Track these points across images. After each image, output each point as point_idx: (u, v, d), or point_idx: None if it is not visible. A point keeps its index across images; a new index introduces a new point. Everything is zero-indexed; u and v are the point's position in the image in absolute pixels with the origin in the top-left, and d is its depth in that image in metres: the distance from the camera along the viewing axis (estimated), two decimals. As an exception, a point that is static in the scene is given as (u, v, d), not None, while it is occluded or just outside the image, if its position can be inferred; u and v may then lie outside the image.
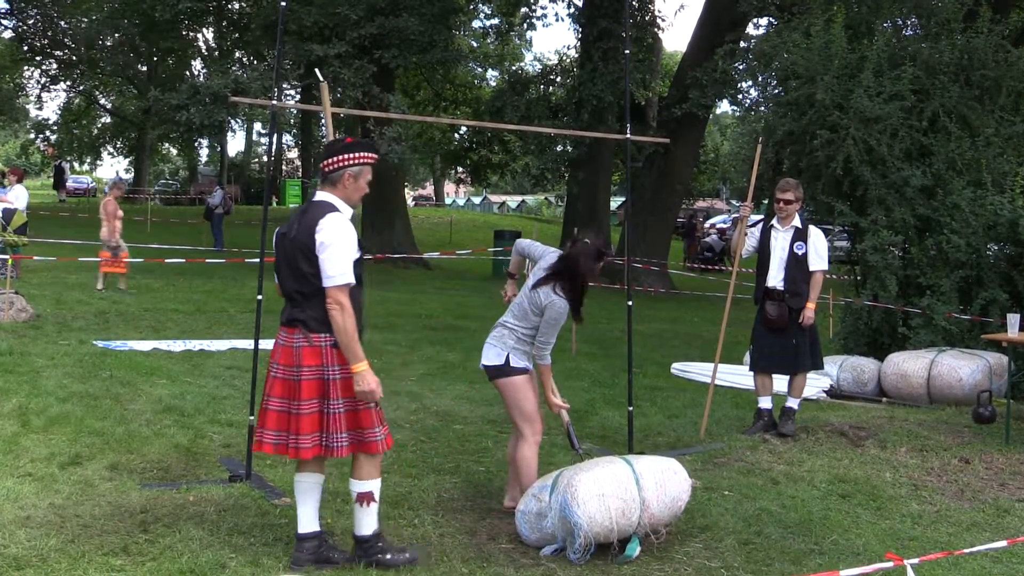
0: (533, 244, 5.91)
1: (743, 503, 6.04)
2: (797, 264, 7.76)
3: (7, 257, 12.90)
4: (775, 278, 7.82)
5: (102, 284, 14.95)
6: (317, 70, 6.44)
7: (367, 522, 4.70)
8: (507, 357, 5.51)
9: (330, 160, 4.64)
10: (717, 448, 7.48)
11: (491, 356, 5.57)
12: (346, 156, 4.62)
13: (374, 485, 4.70)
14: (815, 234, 7.89)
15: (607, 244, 5.72)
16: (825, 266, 7.87)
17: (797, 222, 7.88)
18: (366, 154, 4.68)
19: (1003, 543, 4.72)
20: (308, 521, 4.70)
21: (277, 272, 4.70)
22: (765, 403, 8.09)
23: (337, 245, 4.45)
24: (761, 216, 8.98)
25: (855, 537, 5.51)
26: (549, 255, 5.69)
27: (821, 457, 7.29)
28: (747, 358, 8.99)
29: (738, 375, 10.48)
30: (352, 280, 4.49)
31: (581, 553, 4.86)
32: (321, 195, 4.66)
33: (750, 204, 8.07)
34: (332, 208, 4.57)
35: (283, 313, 4.66)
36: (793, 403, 7.99)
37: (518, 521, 5.19)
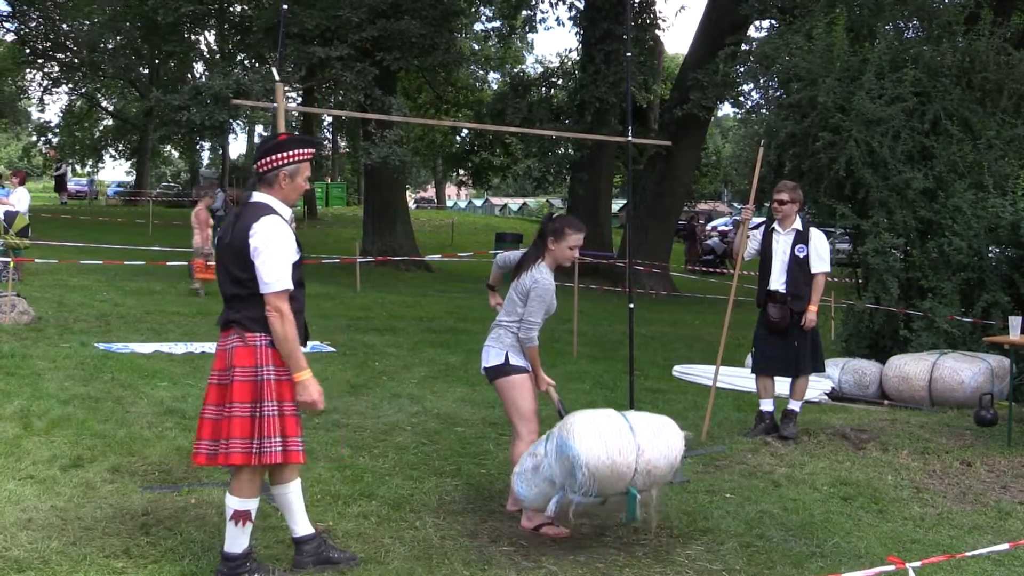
0: (511, 254, 5.99)
1: (744, 506, 6.04)
2: (799, 266, 7.76)
3: (9, 260, 12.90)
4: (777, 280, 7.81)
5: (200, 288, 15.52)
6: (275, 69, 6.33)
7: (240, 541, 4.45)
8: (506, 355, 5.53)
9: (264, 160, 4.44)
10: (718, 451, 7.48)
11: (491, 357, 5.59)
12: (280, 155, 4.43)
13: (253, 504, 4.46)
14: (816, 236, 7.88)
15: (575, 220, 5.73)
16: (827, 268, 7.86)
17: (798, 224, 7.88)
18: (301, 151, 4.48)
19: (1005, 546, 4.70)
20: (302, 525, 4.67)
21: (217, 276, 4.51)
22: (767, 406, 8.07)
23: (272, 249, 4.28)
24: (763, 219, 8.98)
25: (857, 540, 5.51)
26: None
27: (823, 460, 7.28)
28: (749, 360, 9.00)
29: (740, 377, 10.47)
30: (290, 285, 4.32)
31: (585, 489, 4.78)
32: (257, 196, 4.46)
33: (751, 207, 8.07)
34: (268, 210, 4.37)
35: (219, 318, 4.49)
36: (795, 406, 7.98)
37: (514, 483, 5.14)
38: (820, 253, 7.80)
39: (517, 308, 5.53)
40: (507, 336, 5.56)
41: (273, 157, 4.43)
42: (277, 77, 5.92)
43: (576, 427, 4.86)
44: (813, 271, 7.77)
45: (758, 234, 8.03)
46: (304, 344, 4.54)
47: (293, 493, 4.64)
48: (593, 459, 4.76)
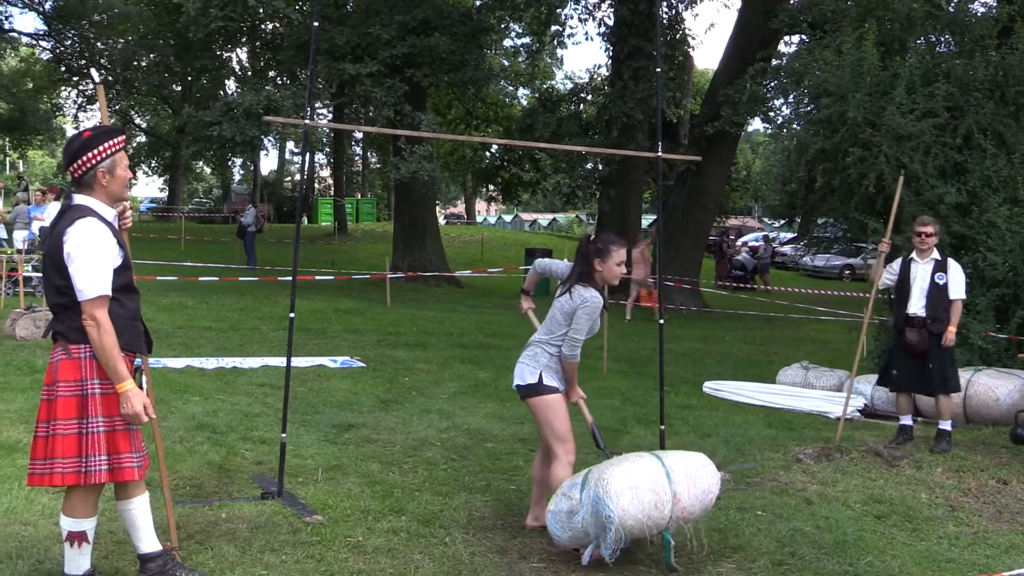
0: (553, 262, 5.94)
1: (776, 523, 5.99)
2: (938, 293, 8.27)
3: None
4: (916, 306, 8.32)
5: (630, 315, 19.02)
6: (95, 71, 6.04)
7: (79, 563, 4.31)
8: (540, 375, 5.48)
9: (76, 164, 4.19)
10: (750, 467, 7.43)
11: (525, 375, 5.54)
12: (91, 154, 4.18)
13: (88, 524, 4.29)
14: (954, 266, 8.41)
15: (615, 237, 5.69)
16: (964, 295, 8.42)
17: (936, 255, 8.39)
18: (111, 142, 4.24)
19: (1042, 566, 4.65)
20: (148, 542, 4.48)
21: (43, 285, 4.27)
22: (906, 420, 8.51)
23: (86, 254, 4.04)
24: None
25: (891, 559, 5.44)
26: (568, 266, 5.74)
27: (855, 477, 7.22)
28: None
29: (771, 394, 10.43)
30: (107, 292, 4.09)
31: (613, 547, 4.85)
32: (77, 199, 4.22)
33: (889, 240, 8.57)
34: (84, 213, 4.14)
35: (45, 329, 4.30)
36: (945, 425, 8.31)
37: (549, 521, 5.16)
38: (958, 281, 8.35)
39: (558, 327, 5.50)
40: (543, 355, 5.52)
41: (85, 158, 4.20)
42: (97, 80, 5.54)
43: (613, 485, 4.88)
44: (952, 297, 8.30)
45: (895, 265, 8.53)
46: (149, 352, 4.46)
47: (137, 509, 4.45)
48: (629, 519, 4.84)
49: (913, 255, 8.45)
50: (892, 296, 8.91)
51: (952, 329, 8.22)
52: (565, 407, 5.56)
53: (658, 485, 4.93)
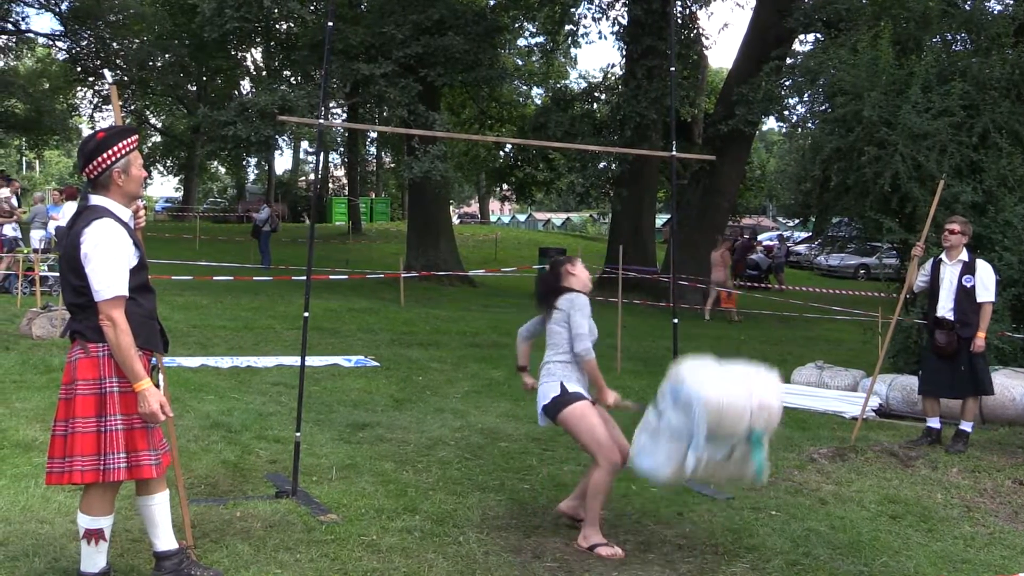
0: (529, 324, 5.98)
1: (791, 523, 5.97)
2: (966, 295, 8.20)
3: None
4: (944, 308, 8.30)
5: (733, 314, 20.57)
6: (108, 71, 6.06)
7: (95, 561, 4.33)
8: (561, 384, 5.46)
9: (91, 165, 4.22)
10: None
11: (547, 392, 5.51)
12: (106, 154, 4.20)
13: (106, 522, 4.32)
14: (983, 267, 8.32)
15: (567, 257, 5.87)
16: (992, 298, 8.29)
17: (964, 256, 8.34)
18: (126, 142, 4.27)
19: (1059, 567, 4.62)
20: (165, 540, 4.52)
21: (60, 285, 4.28)
22: (934, 423, 8.46)
23: (102, 255, 4.08)
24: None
25: (906, 559, 5.42)
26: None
27: (870, 477, 7.20)
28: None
29: (786, 393, 10.37)
30: (124, 292, 4.12)
31: (709, 428, 4.71)
32: (94, 200, 4.25)
33: (923, 244, 8.52)
34: (100, 214, 4.17)
35: (63, 329, 4.42)
36: (966, 426, 8.31)
37: (638, 458, 5.11)
38: (986, 283, 8.25)
39: (562, 339, 5.51)
40: (556, 367, 5.52)
41: (101, 159, 4.22)
42: (110, 80, 5.61)
43: (684, 371, 4.95)
44: (979, 300, 8.22)
45: (927, 267, 8.51)
46: (165, 351, 4.48)
47: (157, 506, 4.48)
48: (711, 390, 4.76)
49: (943, 256, 8.42)
50: (909, 295, 8.88)
51: (981, 335, 8.15)
52: (595, 411, 5.47)
53: (726, 368, 5.01)
